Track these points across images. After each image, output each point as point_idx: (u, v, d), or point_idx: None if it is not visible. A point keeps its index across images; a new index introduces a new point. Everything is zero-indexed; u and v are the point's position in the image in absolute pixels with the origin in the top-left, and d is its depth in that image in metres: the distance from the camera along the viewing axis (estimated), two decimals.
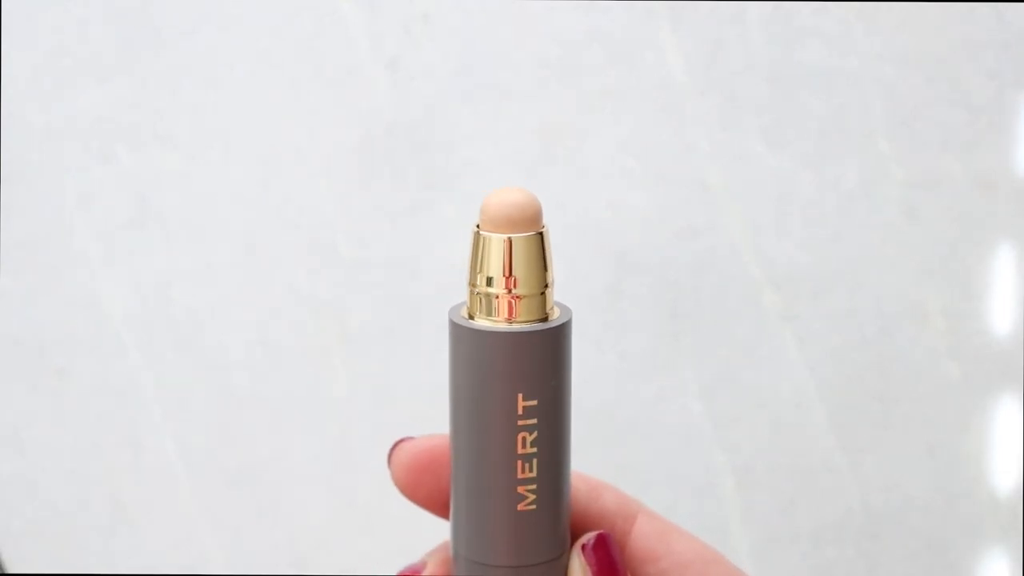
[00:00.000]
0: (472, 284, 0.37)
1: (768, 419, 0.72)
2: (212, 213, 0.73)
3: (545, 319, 0.37)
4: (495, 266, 0.37)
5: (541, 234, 0.37)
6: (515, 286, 0.37)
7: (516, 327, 0.37)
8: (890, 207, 0.71)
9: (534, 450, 0.37)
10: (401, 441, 0.44)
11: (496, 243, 0.36)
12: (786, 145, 0.71)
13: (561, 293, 0.72)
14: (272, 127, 0.73)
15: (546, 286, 0.37)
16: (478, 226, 0.37)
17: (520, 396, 0.36)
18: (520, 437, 0.37)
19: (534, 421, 0.37)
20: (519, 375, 0.36)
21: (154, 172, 0.73)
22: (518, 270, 0.37)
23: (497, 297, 0.37)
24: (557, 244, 0.72)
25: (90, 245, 0.73)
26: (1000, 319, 0.71)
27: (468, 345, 0.37)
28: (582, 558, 0.39)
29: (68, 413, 0.72)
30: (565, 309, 0.38)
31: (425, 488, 0.42)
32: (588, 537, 0.40)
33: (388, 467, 0.45)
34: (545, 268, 0.37)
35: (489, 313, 0.37)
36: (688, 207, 0.72)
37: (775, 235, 0.72)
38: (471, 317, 0.37)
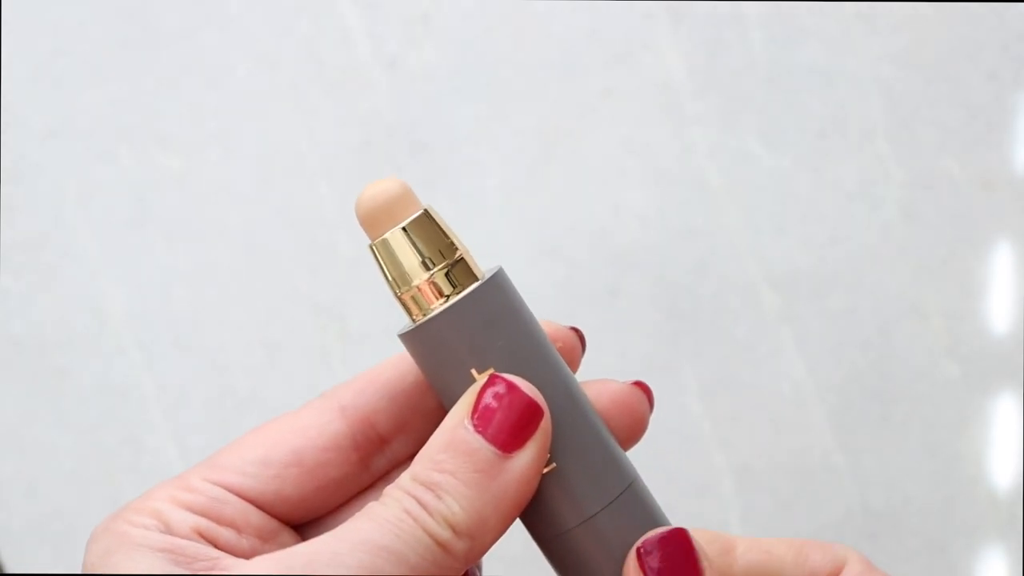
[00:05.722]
0: (398, 296, 0.36)
1: (768, 419, 0.72)
2: (212, 213, 0.73)
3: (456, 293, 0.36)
4: (398, 262, 0.36)
5: (426, 211, 0.36)
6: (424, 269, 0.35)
7: (422, 318, 0.35)
8: (889, 207, 0.71)
9: None
10: None
11: (384, 244, 0.36)
12: (785, 145, 0.72)
13: (562, 293, 0.72)
14: (272, 127, 0.73)
15: (447, 261, 0.36)
16: (370, 246, 0.36)
17: (473, 371, 0.35)
18: None
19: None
20: (458, 355, 0.35)
21: (154, 172, 0.73)
22: (415, 255, 0.35)
23: (419, 289, 0.36)
24: (558, 244, 0.72)
25: (90, 245, 0.73)
26: (999, 319, 0.71)
27: (410, 351, 0.37)
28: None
29: (68, 413, 0.72)
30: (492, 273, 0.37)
31: None
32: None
33: None
34: (447, 238, 0.36)
35: (418, 310, 0.36)
36: (688, 207, 0.72)
37: (774, 235, 0.72)
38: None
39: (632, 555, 0.36)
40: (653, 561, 0.35)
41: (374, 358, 0.72)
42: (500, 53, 0.72)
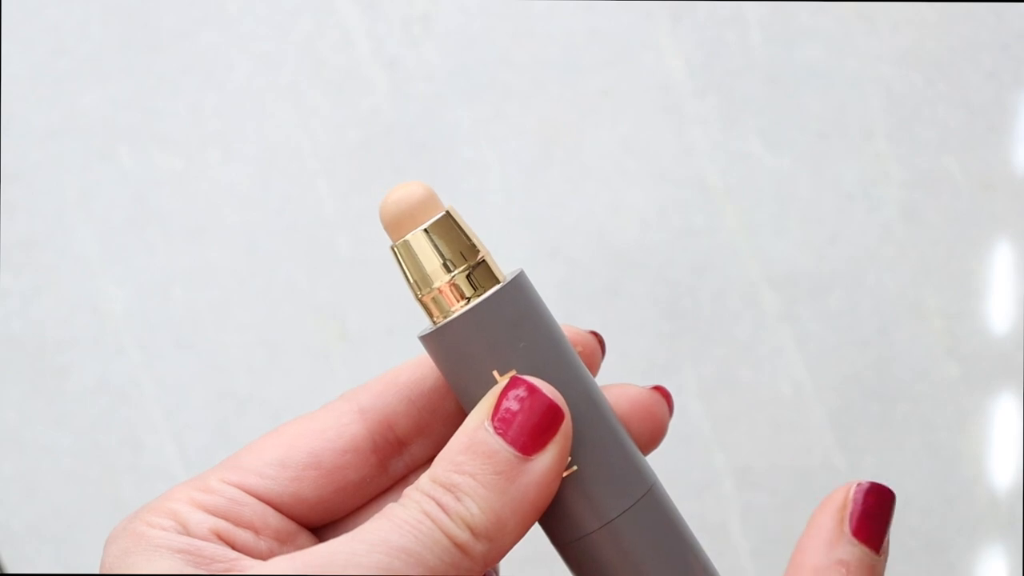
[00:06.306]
0: (419, 298, 0.36)
1: (767, 419, 0.72)
2: (212, 213, 0.73)
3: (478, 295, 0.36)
4: (423, 263, 0.36)
5: (448, 212, 0.36)
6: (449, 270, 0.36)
7: (443, 320, 0.35)
8: (889, 207, 0.71)
9: None
10: None
11: (406, 245, 0.36)
12: (785, 145, 0.72)
13: (562, 293, 0.72)
14: (272, 127, 0.73)
15: (469, 263, 0.36)
16: (392, 247, 0.36)
17: (495, 373, 0.35)
18: None
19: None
20: (479, 357, 0.35)
21: (154, 172, 0.73)
22: (438, 257, 0.36)
23: (440, 291, 0.36)
24: (558, 244, 0.72)
25: (90, 245, 0.73)
26: (998, 319, 0.71)
27: (431, 353, 0.37)
28: None
29: (68, 413, 0.72)
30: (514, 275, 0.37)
31: None
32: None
33: None
34: (468, 240, 0.36)
35: (439, 313, 0.36)
36: (688, 207, 0.72)
37: (774, 235, 0.72)
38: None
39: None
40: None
41: (374, 358, 0.72)
42: (500, 53, 0.72)
